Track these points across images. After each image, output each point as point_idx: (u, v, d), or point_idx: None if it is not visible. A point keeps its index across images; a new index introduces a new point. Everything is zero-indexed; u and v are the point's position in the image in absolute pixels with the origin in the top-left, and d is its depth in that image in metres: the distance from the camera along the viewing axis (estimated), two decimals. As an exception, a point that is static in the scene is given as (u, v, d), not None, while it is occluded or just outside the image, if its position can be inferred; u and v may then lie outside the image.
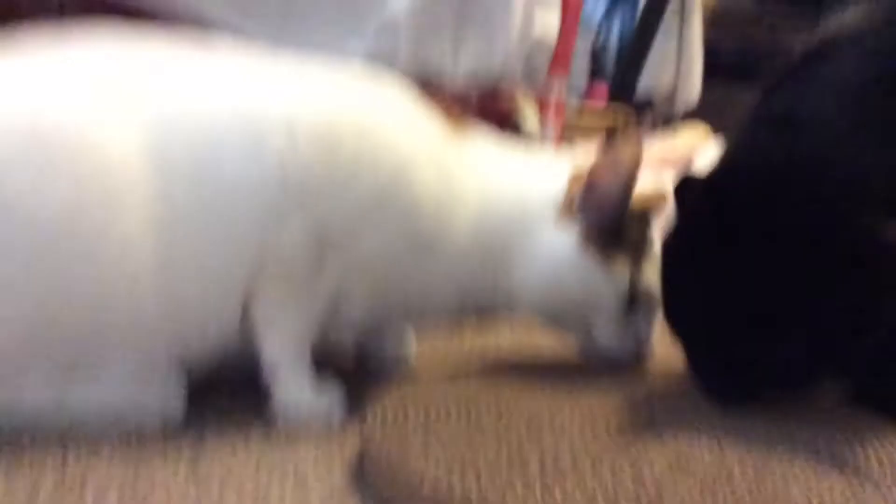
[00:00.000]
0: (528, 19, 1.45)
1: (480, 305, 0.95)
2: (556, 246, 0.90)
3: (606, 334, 0.93)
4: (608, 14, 3.43)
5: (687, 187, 0.87)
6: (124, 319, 0.78)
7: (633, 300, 0.92)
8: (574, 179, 0.91)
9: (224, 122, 0.81)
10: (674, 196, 0.88)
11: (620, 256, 0.91)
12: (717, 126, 2.11)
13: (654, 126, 2.84)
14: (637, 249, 0.91)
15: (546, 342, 1.04)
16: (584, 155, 0.93)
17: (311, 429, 0.85)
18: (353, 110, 0.87)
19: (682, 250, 0.87)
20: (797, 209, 0.79)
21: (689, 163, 2.17)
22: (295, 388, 0.87)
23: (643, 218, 0.93)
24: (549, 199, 0.92)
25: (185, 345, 0.82)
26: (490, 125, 1.40)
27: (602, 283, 0.90)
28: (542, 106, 1.82)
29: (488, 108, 1.41)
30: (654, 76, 3.14)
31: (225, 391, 0.91)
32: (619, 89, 3.06)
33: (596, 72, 3.28)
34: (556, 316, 0.95)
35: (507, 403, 0.84)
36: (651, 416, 0.84)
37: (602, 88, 3.13)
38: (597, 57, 3.33)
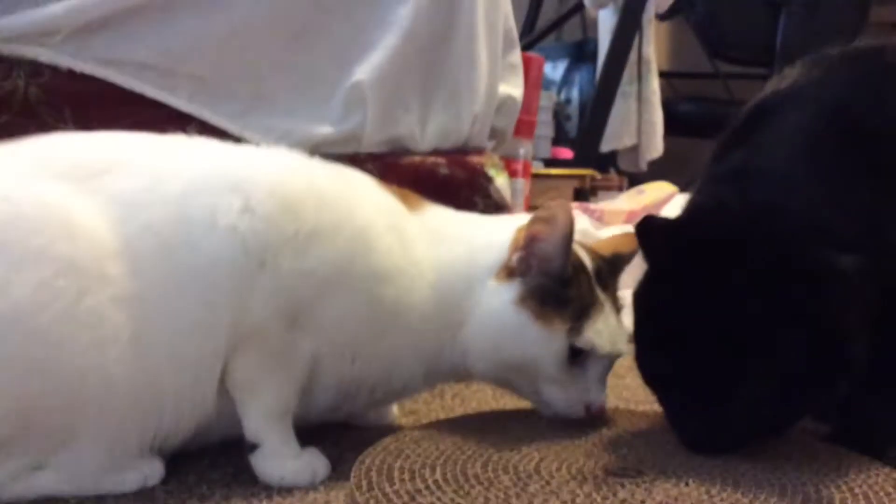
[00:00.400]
0: (493, 84, 1.48)
1: (445, 372, 0.96)
2: (495, 305, 0.90)
3: (551, 393, 0.91)
4: (567, 78, 3.52)
5: (650, 231, 0.89)
6: (97, 398, 0.77)
7: (575, 357, 0.90)
8: (514, 241, 0.92)
9: (181, 197, 0.82)
10: (637, 237, 0.90)
11: (560, 314, 0.89)
12: (680, 179, 2.16)
13: (620, 184, 2.89)
14: (582, 305, 0.90)
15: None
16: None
17: (294, 493, 0.85)
18: (310, 177, 0.89)
19: (650, 300, 0.89)
20: (757, 252, 0.82)
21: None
22: (278, 455, 0.86)
23: (586, 276, 0.93)
24: (486, 256, 0.93)
25: (160, 420, 0.82)
26: (459, 190, 1.43)
27: (539, 341, 0.89)
28: (510, 168, 1.85)
29: (456, 173, 1.43)
30: (616, 136, 3.21)
31: (206, 454, 0.91)
32: (583, 151, 3.12)
33: (559, 134, 3.35)
34: (502, 377, 0.94)
35: (492, 453, 0.85)
36: (638, 460, 0.84)
37: (566, 151, 3.19)
38: (559, 119, 3.40)
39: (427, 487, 0.77)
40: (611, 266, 0.97)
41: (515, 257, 0.90)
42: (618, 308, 0.95)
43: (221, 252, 0.81)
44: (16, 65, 1.19)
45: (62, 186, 0.80)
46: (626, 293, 1.42)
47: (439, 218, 0.98)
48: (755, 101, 0.99)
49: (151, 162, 0.85)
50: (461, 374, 0.97)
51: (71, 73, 1.20)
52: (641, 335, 0.90)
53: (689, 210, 0.94)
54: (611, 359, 0.92)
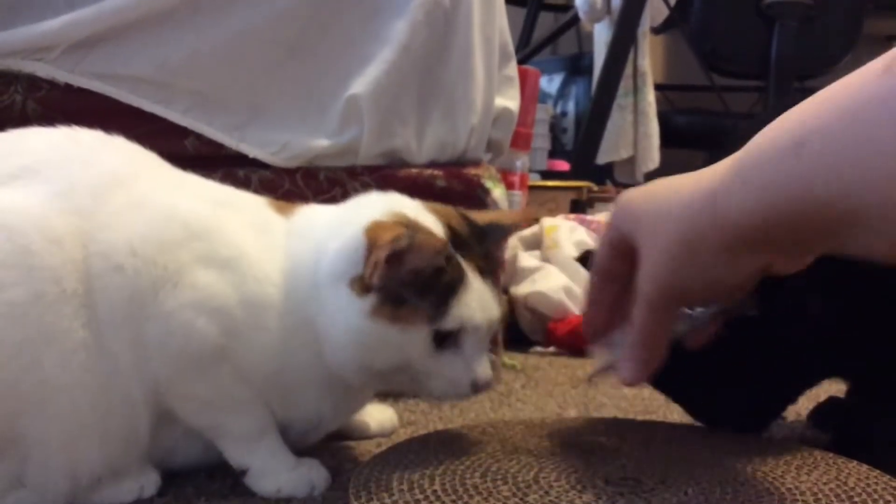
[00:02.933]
0: (490, 97, 1.49)
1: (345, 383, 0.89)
2: (348, 317, 0.82)
3: (432, 384, 0.85)
4: (563, 91, 3.53)
5: None
6: (42, 403, 0.76)
7: (445, 340, 0.83)
8: (372, 255, 0.79)
9: (87, 219, 0.80)
10: None
11: (417, 308, 0.82)
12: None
13: (617, 196, 2.90)
14: (447, 287, 0.82)
15: (527, 402, 1.04)
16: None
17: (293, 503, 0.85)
18: (186, 216, 0.85)
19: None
20: None
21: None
22: (269, 472, 0.86)
23: (451, 259, 0.83)
24: (332, 261, 0.84)
25: (116, 445, 0.81)
26: (456, 202, 1.43)
27: (400, 343, 0.82)
28: (507, 180, 1.86)
29: (453, 185, 1.43)
30: (612, 148, 3.22)
31: (203, 466, 0.91)
32: (579, 163, 3.13)
33: (556, 147, 3.36)
34: (375, 383, 0.90)
35: (491, 463, 0.84)
36: (638, 470, 0.84)
37: (562, 163, 3.19)
38: (555, 132, 3.41)
39: (426, 498, 0.77)
40: (478, 232, 0.90)
41: (376, 276, 0.78)
42: (490, 269, 0.88)
43: (111, 296, 0.79)
44: (14, 79, 1.19)
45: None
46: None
47: (303, 219, 0.91)
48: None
49: (61, 168, 0.83)
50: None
51: (68, 88, 1.20)
52: None
53: None
54: (487, 326, 0.85)
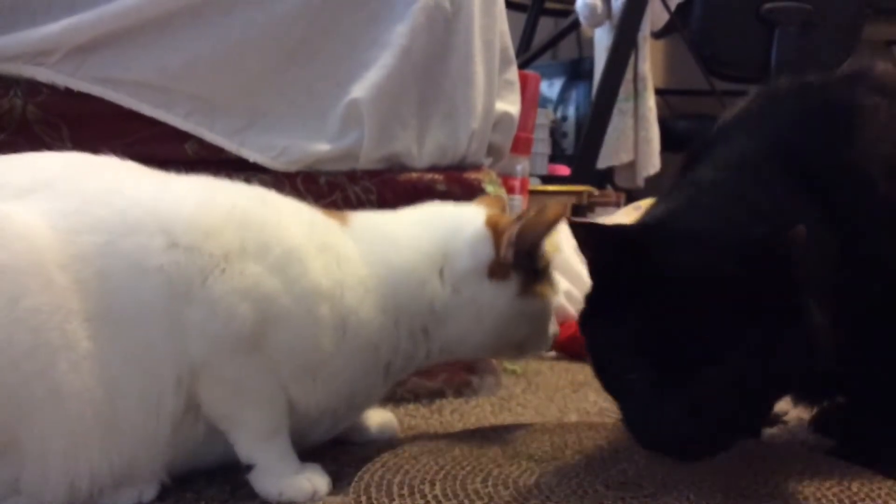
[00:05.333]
0: (490, 101, 1.48)
1: (416, 367, 1.01)
2: (500, 301, 0.97)
3: (534, 343, 1.04)
4: (563, 95, 3.53)
5: (595, 237, 0.88)
6: (45, 408, 0.75)
7: None
8: (502, 238, 0.96)
9: (110, 230, 0.80)
10: (581, 245, 0.89)
11: (543, 283, 1.00)
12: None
13: (618, 200, 2.89)
14: (546, 265, 1.00)
15: (527, 406, 1.04)
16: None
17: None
18: (231, 204, 0.88)
19: (607, 310, 0.87)
20: (708, 245, 0.83)
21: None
22: (275, 473, 0.86)
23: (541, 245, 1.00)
24: (467, 256, 0.97)
25: (122, 448, 0.80)
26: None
27: (542, 314, 1.01)
28: (508, 185, 1.85)
29: (454, 190, 1.43)
30: (613, 152, 3.21)
31: (203, 470, 0.90)
32: (580, 167, 3.13)
33: (556, 151, 3.35)
34: (499, 350, 1.07)
35: (492, 468, 0.84)
36: (638, 475, 0.84)
37: (563, 167, 3.19)
38: (556, 137, 3.41)
39: (427, 503, 0.76)
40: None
41: (510, 255, 0.96)
42: None
43: (151, 294, 0.80)
44: (13, 84, 1.19)
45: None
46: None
47: (369, 226, 0.99)
48: (715, 126, 1.05)
49: (78, 186, 0.83)
50: (424, 362, 1.01)
51: (68, 92, 1.20)
52: (600, 337, 0.88)
53: (650, 220, 0.95)
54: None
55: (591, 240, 0.88)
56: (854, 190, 0.92)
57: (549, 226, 0.96)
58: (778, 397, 0.88)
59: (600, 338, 0.88)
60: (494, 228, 0.97)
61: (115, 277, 0.79)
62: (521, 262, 0.96)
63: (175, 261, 0.81)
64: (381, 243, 0.96)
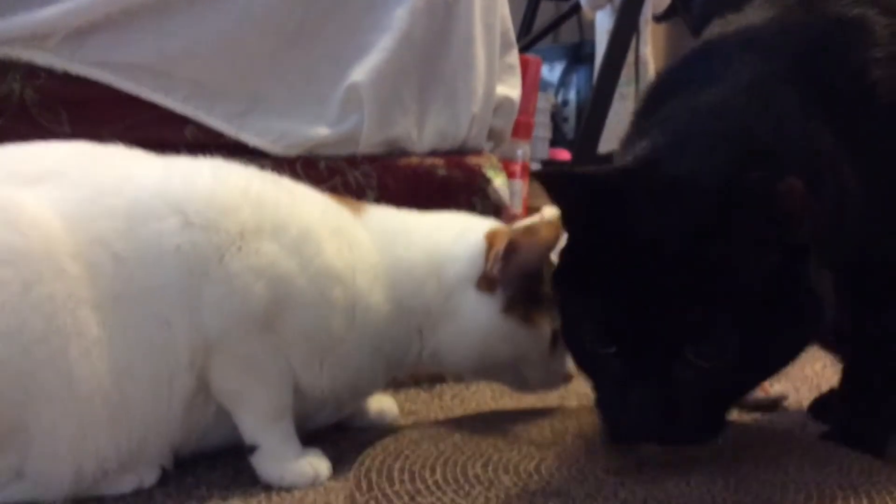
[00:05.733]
0: (491, 85, 1.48)
1: (404, 368, 1.01)
2: (483, 316, 0.94)
3: (537, 377, 0.99)
4: (564, 79, 3.52)
5: (560, 182, 0.80)
6: (56, 393, 0.76)
7: (555, 344, 0.96)
8: (493, 251, 0.94)
9: (127, 215, 0.81)
10: (549, 194, 0.82)
11: (541, 312, 0.95)
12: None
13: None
14: (544, 300, 0.95)
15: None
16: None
17: (293, 493, 0.84)
18: (246, 184, 0.88)
19: (580, 272, 0.79)
20: (697, 197, 0.74)
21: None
22: (277, 456, 0.87)
23: (551, 264, 0.96)
24: (462, 264, 0.96)
25: (133, 430, 0.81)
26: (457, 191, 1.43)
27: (528, 341, 0.95)
28: (508, 170, 1.85)
29: (454, 174, 1.42)
30: (614, 137, 3.20)
31: (204, 455, 0.90)
32: (581, 152, 3.12)
33: (557, 136, 3.34)
34: (487, 371, 1.01)
35: (492, 453, 0.84)
36: (638, 460, 0.84)
37: (564, 152, 3.18)
38: (557, 121, 3.40)
39: (427, 488, 0.77)
40: None
41: (496, 268, 0.93)
42: None
43: (168, 274, 0.81)
44: (11, 68, 1.18)
45: (5, 187, 0.79)
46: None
47: (384, 219, 0.99)
48: (699, 44, 0.92)
49: (89, 174, 0.84)
50: (421, 368, 1.04)
51: (67, 76, 1.19)
52: (572, 303, 0.80)
53: (635, 161, 0.82)
54: None
55: (562, 189, 0.80)
56: (876, 123, 0.82)
57: (542, 250, 0.94)
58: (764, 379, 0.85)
59: (571, 305, 0.81)
60: (491, 241, 0.96)
61: (131, 261, 0.80)
62: (511, 279, 0.94)
63: (191, 240, 0.82)
64: (391, 236, 0.96)
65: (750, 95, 0.81)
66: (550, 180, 0.80)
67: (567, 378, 1.00)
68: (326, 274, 0.88)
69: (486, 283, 0.94)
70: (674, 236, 0.72)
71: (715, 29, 0.94)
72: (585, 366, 0.82)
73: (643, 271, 0.72)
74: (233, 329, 0.83)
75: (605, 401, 0.79)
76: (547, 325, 0.95)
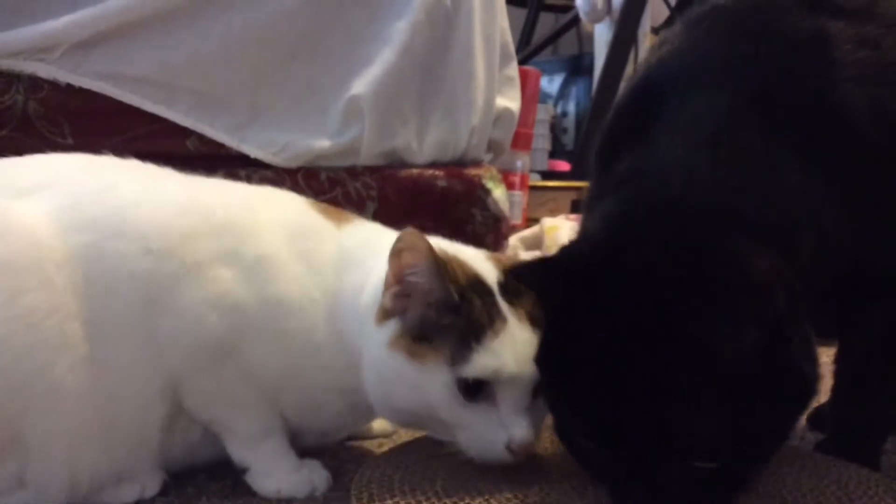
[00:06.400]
0: (490, 97, 1.49)
1: (368, 408, 0.87)
2: (374, 351, 0.81)
3: (463, 437, 0.79)
4: (563, 91, 3.53)
5: (535, 276, 0.77)
6: (46, 405, 0.76)
7: (475, 390, 0.77)
8: (384, 278, 0.81)
9: (94, 233, 0.79)
10: (530, 287, 0.79)
11: (436, 347, 0.78)
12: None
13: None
14: (472, 328, 0.77)
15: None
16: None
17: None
18: (208, 209, 0.84)
19: (559, 352, 0.74)
20: (662, 254, 0.69)
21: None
22: (270, 473, 0.86)
23: (484, 292, 0.80)
24: (368, 290, 0.85)
25: (119, 449, 0.81)
26: (457, 202, 1.44)
27: (418, 382, 0.78)
28: (508, 181, 1.86)
29: (454, 186, 1.43)
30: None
31: (203, 465, 0.90)
32: (580, 163, 3.13)
33: (556, 147, 3.35)
34: (411, 424, 0.87)
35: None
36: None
37: (563, 163, 3.19)
38: (556, 132, 3.41)
39: (427, 499, 0.77)
40: None
41: (388, 296, 0.81)
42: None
43: (127, 303, 0.79)
44: (15, 80, 1.19)
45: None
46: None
47: (361, 238, 0.90)
48: (641, 79, 0.86)
49: (79, 184, 0.83)
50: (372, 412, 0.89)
51: (70, 88, 1.20)
52: (554, 394, 0.75)
53: (582, 235, 0.80)
54: (528, 384, 0.78)
55: (534, 279, 0.76)
56: (854, 142, 0.76)
57: (427, 264, 0.78)
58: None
59: (554, 394, 0.75)
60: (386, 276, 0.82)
61: (98, 282, 0.78)
62: (405, 306, 0.80)
63: (147, 267, 0.79)
64: (355, 258, 0.87)
65: (711, 149, 0.74)
66: (522, 274, 0.77)
67: (514, 447, 0.77)
68: (279, 303, 0.83)
69: (381, 313, 0.81)
70: (648, 324, 0.67)
71: (654, 57, 0.86)
72: (576, 455, 0.76)
73: (621, 363, 0.67)
74: (191, 363, 0.81)
75: (603, 488, 0.74)
76: (437, 363, 0.77)
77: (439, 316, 0.78)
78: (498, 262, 0.86)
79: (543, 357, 0.75)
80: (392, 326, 0.80)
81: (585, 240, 0.79)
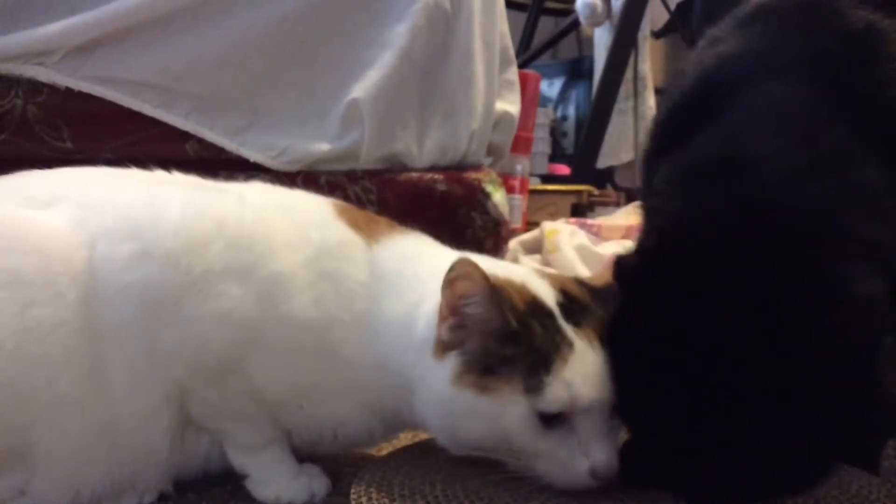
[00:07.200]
0: (490, 101, 1.49)
1: (409, 425, 0.87)
2: (436, 389, 0.78)
3: (543, 467, 0.77)
4: (563, 95, 3.53)
5: (629, 273, 0.76)
6: (51, 417, 0.76)
7: (552, 419, 0.75)
8: (438, 310, 0.79)
9: (91, 242, 0.78)
10: (618, 284, 0.78)
11: (508, 379, 0.75)
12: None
13: (618, 200, 2.90)
14: (540, 357, 0.75)
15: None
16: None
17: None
18: (222, 218, 0.82)
19: (628, 343, 0.75)
20: (759, 267, 0.68)
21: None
22: (269, 481, 0.86)
23: (545, 316, 0.78)
24: (423, 323, 0.81)
25: (124, 461, 0.80)
26: (457, 206, 1.43)
27: (494, 417, 0.75)
28: (508, 185, 1.86)
29: (454, 189, 1.43)
30: (613, 152, 3.22)
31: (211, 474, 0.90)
32: (580, 167, 3.13)
33: (556, 151, 3.35)
34: (472, 450, 0.80)
35: (492, 468, 0.84)
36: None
37: (563, 167, 3.19)
38: (556, 136, 3.41)
39: (427, 503, 0.76)
40: (596, 294, 0.82)
41: (444, 329, 0.78)
42: None
43: (128, 314, 0.78)
44: (14, 84, 1.19)
45: (16, 209, 0.79)
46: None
47: (400, 254, 0.86)
48: (698, 75, 0.84)
49: (96, 197, 0.83)
50: (407, 423, 0.87)
51: (69, 92, 1.20)
52: (629, 387, 0.75)
53: (667, 223, 0.77)
54: (605, 408, 0.76)
55: (626, 278, 0.76)
56: None
57: (484, 295, 0.75)
58: None
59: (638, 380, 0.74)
60: (441, 308, 0.79)
61: (104, 290, 0.78)
62: (463, 340, 0.77)
63: (152, 274, 0.78)
64: (393, 278, 0.84)
65: (805, 146, 0.72)
66: (620, 271, 0.76)
67: (599, 473, 0.75)
68: (295, 322, 0.80)
69: (439, 348, 0.79)
70: (745, 330, 0.67)
71: (708, 54, 0.84)
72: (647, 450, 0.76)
73: (703, 376, 0.68)
74: (194, 373, 0.80)
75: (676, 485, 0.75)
76: (513, 396, 0.75)
77: (499, 346, 0.76)
78: (554, 280, 0.83)
79: (625, 347, 0.75)
80: (453, 361, 0.77)
81: (680, 233, 0.74)
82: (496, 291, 0.76)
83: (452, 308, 0.77)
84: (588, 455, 0.75)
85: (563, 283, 0.83)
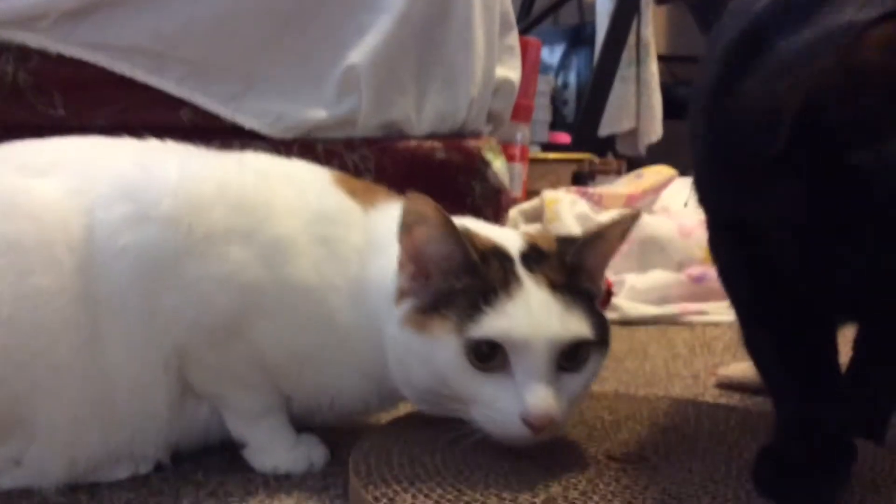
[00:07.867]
0: (490, 67, 1.46)
1: (399, 392, 0.84)
2: (391, 332, 0.79)
3: (478, 414, 0.75)
4: (564, 62, 3.50)
5: None
6: (49, 386, 0.75)
7: (488, 356, 0.73)
8: (399, 264, 0.79)
9: (88, 208, 0.77)
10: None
11: (443, 315, 0.74)
12: (679, 163, 2.15)
13: (619, 168, 2.88)
14: (484, 291, 0.74)
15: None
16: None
17: (291, 478, 0.84)
18: (223, 181, 0.82)
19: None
20: None
21: (654, 200, 2.20)
22: (266, 450, 0.86)
23: (504, 258, 0.77)
24: (391, 276, 0.81)
25: (122, 429, 0.80)
26: (456, 174, 1.42)
27: (429, 353, 0.75)
28: (508, 153, 1.84)
29: (453, 157, 1.41)
30: (615, 120, 3.19)
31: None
32: (581, 135, 3.11)
33: (557, 119, 3.33)
34: (427, 401, 0.81)
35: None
36: (640, 445, 0.83)
37: (563, 135, 3.17)
38: (556, 104, 3.38)
39: (426, 472, 0.76)
40: (564, 245, 0.81)
41: (404, 277, 0.78)
42: (572, 286, 0.77)
43: (126, 277, 0.77)
44: (4, 50, 1.17)
45: (12, 177, 0.78)
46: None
47: (389, 221, 0.82)
48: (748, 25, 0.79)
49: (91, 165, 0.82)
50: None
51: (60, 58, 1.18)
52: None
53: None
54: (542, 346, 0.73)
55: None
56: None
57: (438, 235, 0.75)
58: None
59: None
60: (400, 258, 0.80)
61: (102, 254, 0.77)
62: (420, 283, 0.78)
63: (151, 235, 0.77)
64: (386, 241, 0.82)
65: None
66: None
67: (531, 419, 0.71)
68: (295, 287, 0.80)
69: (397, 294, 0.79)
70: None
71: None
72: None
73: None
74: (194, 337, 0.79)
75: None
76: (445, 328, 0.74)
77: (456, 279, 0.75)
78: (528, 237, 0.83)
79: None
80: (406, 306, 0.78)
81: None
82: (455, 227, 0.75)
83: (411, 255, 0.77)
84: (521, 397, 0.72)
85: (537, 238, 0.82)
